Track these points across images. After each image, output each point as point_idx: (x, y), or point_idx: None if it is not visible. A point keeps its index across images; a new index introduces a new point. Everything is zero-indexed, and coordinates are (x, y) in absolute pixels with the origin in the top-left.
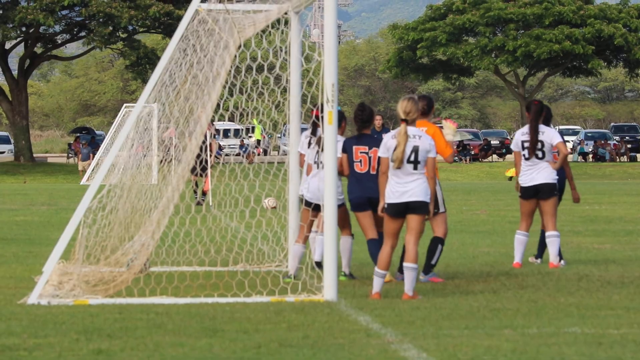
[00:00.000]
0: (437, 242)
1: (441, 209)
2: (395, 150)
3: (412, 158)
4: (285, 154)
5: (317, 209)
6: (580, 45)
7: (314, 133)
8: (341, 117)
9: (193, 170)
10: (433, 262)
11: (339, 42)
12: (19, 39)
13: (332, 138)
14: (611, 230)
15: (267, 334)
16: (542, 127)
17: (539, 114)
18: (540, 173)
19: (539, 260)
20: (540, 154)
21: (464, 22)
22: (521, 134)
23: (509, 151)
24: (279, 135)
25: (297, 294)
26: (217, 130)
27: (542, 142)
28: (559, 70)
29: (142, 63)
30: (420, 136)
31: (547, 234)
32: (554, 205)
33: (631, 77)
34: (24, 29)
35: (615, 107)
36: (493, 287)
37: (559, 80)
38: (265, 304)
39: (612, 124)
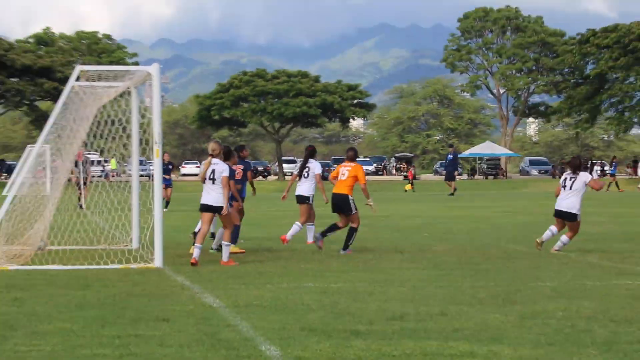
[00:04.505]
0: (352, 231)
1: (353, 211)
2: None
3: (212, 176)
4: (130, 176)
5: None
6: (312, 109)
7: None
8: (230, 152)
9: (78, 184)
10: (350, 242)
11: (162, 105)
12: None
13: (158, 167)
14: None
15: (120, 288)
16: (311, 161)
17: (310, 154)
18: (299, 189)
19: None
20: (306, 174)
21: (241, 94)
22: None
23: (269, 174)
24: (125, 164)
25: (137, 263)
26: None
27: (308, 167)
28: (299, 124)
29: (40, 120)
30: (217, 163)
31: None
32: (308, 209)
33: (343, 128)
34: None
35: (336, 147)
36: (260, 258)
37: (300, 130)
38: (118, 270)
39: (332, 157)
